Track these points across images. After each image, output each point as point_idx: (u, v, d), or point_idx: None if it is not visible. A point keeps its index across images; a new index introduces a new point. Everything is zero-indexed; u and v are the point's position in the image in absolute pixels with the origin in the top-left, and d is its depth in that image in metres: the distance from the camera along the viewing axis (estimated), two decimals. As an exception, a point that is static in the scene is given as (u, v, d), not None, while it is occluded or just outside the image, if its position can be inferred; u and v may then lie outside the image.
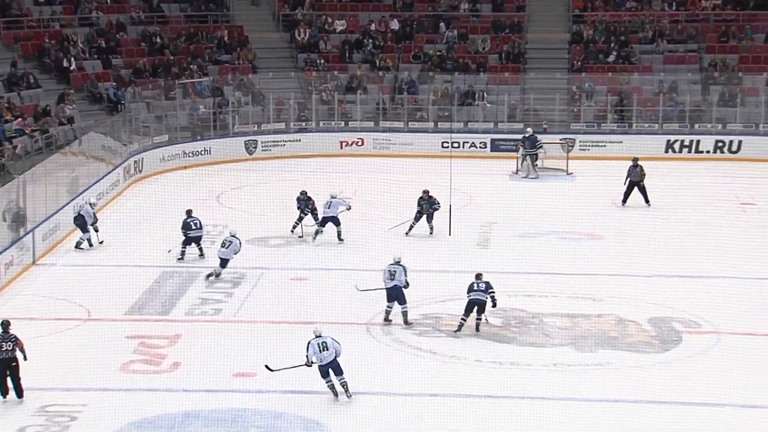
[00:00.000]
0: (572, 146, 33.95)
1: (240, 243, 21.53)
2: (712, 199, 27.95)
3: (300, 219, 24.72)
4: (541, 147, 31.65)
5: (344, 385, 16.03)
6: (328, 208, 24.20)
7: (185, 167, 32.24)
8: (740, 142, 34.16)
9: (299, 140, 34.82)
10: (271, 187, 29.58)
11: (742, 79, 36.63)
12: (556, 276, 21.65)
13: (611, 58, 38.20)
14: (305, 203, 24.90)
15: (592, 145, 34.62)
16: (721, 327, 18.63)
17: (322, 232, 24.11)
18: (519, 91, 36.86)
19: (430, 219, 24.77)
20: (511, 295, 20.25)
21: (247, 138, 34.42)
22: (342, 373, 15.97)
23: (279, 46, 39.50)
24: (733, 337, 18.19)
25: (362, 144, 34.92)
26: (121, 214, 26.66)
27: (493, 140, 34.79)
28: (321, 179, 28.54)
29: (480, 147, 34.60)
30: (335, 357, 15.93)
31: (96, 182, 27.22)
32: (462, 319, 18.59)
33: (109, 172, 28.74)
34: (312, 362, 15.89)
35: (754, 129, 34.67)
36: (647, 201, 27.40)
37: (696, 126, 35.15)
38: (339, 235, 24.19)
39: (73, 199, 25.53)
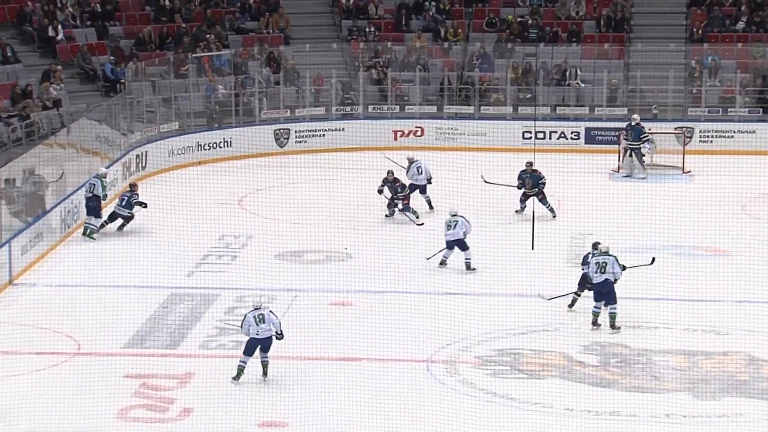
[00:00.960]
0: (690, 137, 33.84)
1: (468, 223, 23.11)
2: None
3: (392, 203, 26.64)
4: (648, 139, 31.58)
5: (265, 364, 18.02)
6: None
7: (200, 162, 32.60)
8: None
9: (343, 129, 35.02)
10: (307, 188, 29.87)
11: None
12: (669, 302, 21.51)
13: (741, 25, 37.88)
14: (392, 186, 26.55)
15: (717, 136, 34.58)
16: None
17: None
18: (622, 68, 36.72)
19: (543, 200, 26.48)
20: (608, 326, 20.20)
21: (278, 126, 34.68)
22: (269, 351, 18.00)
23: (318, 11, 39.84)
24: None
25: (422, 134, 35.12)
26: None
27: (588, 129, 34.90)
28: (369, 178, 28.57)
29: (572, 138, 34.68)
30: (272, 335, 17.90)
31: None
32: (575, 294, 20.64)
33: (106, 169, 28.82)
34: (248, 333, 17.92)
35: None
36: None
37: None
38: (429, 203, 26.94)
39: (60, 203, 25.82)
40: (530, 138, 32.68)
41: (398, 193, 26.91)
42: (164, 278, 22.88)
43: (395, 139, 34.91)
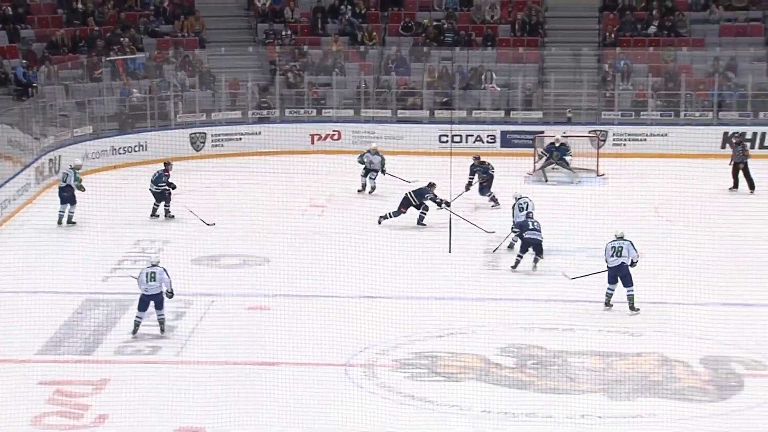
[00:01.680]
0: (604, 140, 34.22)
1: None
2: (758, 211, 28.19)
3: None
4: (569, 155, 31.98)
5: (161, 321, 19.73)
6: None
7: (114, 167, 32.26)
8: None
9: (259, 133, 34.95)
10: (224, 192, 29.77)
11: (820, 55, 36.89)
12: (584, 304, 21.69)
13: (653, 30, 38.38)
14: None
15: (630, 139, 35.07)
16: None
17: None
18: (537, 72, 37.04)
19: (485, 190, 27.88)
20: (526, 329, 20.37)
21: (194, 130, 34.52)
22: (163, 308, 19.62)
23: (234, 14, 39.68)
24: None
25: (339, 138, 35.21)
26: (33, 227, 26.55)
27: (503, 133, 35.12)
28: (287, 182, 28.52)
29: (488, 141, 34.92)
30: (161, 291, 19.51)
31: None
32: (518, 256, 22.98)
33: (17, 174, 28.72)
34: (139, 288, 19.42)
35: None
36: (752, 186, 29.24)
37: (761, 115, 35.32)
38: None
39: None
40: (447, 141, 32.81)
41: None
42: (79, 284, 22.67)
43: (312, 142, 34.93)
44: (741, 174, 30.01)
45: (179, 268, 22.49)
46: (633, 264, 21.02)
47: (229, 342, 19.71)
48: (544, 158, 31.90)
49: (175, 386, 17.91)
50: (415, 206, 26.45)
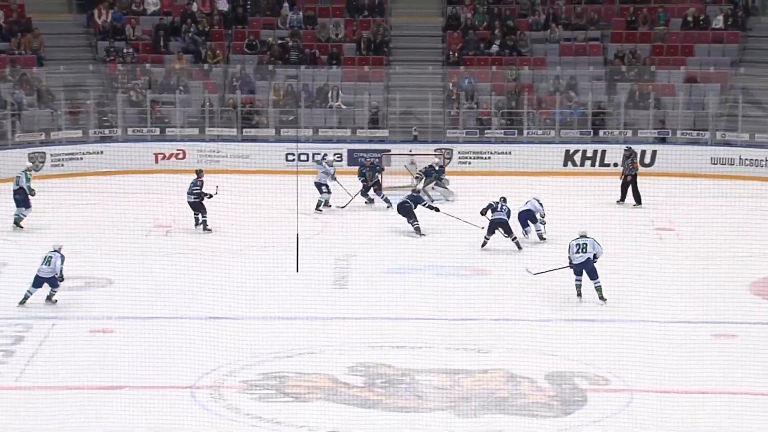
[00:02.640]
0: (450, 158, 34.54)
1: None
2: (621, 224, 28.65)
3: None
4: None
5: (52, 295, 21.97)
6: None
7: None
8: (654, 152, 35.29)
9: (101, 152, 34.45)
10: (65, 213, 29.33)
11: (655, 75, 37.82)
12: (431, 322, 21.83)
13: (495, 49, 38.97)
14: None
15: (474, 157, 35.51)
16: (634, 383, 18.98)
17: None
18: (382, 90, 37.27)
19: (378, 192, 30.02)
20: (374, 347, 20.40)
21: (33, 150, 33.82)
22: (57, 286, 21.90)
23: (72, 32, 39.08)
24: (647, 396, 18.64)
25: (184, 157, 34.97)
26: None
27: (350, 151, 35.37)
28: (130, 202, 28.12)
29: (335, 160, 34.76)
30: (54, 276, 21.72)
31: None
32: (485, 237, 25.73)
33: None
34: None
35: (670, 136, 35.84)
36: (638, 200, 30.47)
37: (601, 133, 36.13)
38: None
39: None
40: (293, 160, 32.81)
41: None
42: None
43: (156, 162, 34.62)
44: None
45: (19, 291, 22.10)
46: (596, 258, 22.50)
47: (71, 366, 19.31)
48: (423, 180, 31.90)
49: (13, 412, 17.52)
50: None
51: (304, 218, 27.13)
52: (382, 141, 34.93)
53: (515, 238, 26.20)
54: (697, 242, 27.53)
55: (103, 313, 22.02)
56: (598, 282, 22.54)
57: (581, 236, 22.67)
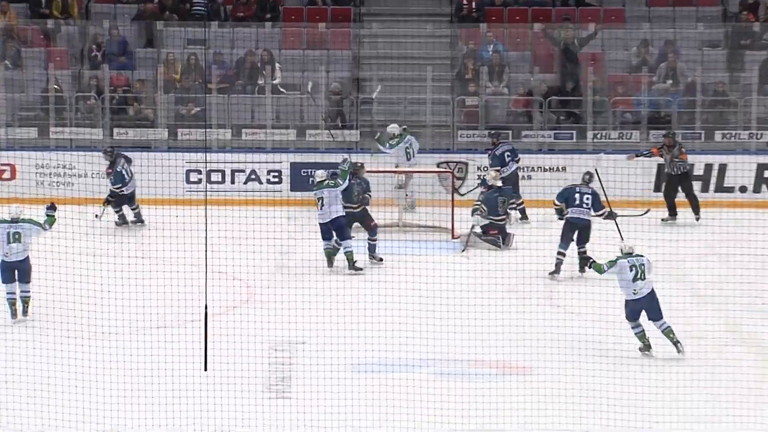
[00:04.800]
0: (463, 177, 27.56)
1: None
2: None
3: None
4: None
5: (25, 300, 19.22)
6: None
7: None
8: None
9: None
10: None
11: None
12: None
13: None
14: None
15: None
16: None
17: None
18: (349, 63, 28.99)
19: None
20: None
21: None
22: (29, 281, 18.87)
23: None
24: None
25: (12, 177, 27.15)
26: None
27: (294, 166, 27.53)
28: None
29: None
30: (28, 257, 18.64)
31: None
32: (558, 254, 21.62)
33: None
34: None
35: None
36: (696, 209, 25.34)
37: (718, 136, 28.07)
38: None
39: None
40: (198, 182, 26.90)
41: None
42: None
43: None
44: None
45: None
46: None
47: None
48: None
49: None
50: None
51: (221, 279, 20.24)
52: (349, 149, 25.91)
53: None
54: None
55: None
56: (665, 322, 17.90)
57: (628, 254, 18.00)
